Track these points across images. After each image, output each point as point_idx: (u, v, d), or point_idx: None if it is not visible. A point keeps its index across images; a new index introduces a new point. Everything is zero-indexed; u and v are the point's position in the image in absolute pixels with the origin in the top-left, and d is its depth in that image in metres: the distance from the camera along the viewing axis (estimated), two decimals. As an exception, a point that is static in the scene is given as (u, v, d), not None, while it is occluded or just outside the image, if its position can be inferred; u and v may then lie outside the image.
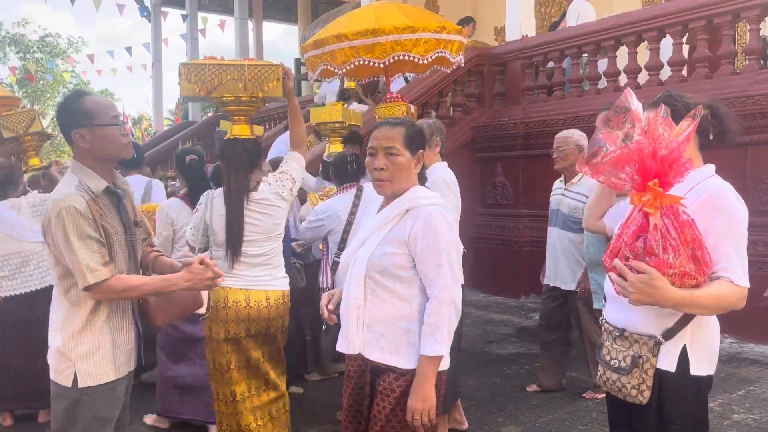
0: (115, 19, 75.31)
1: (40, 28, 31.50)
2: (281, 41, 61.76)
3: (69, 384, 2.10)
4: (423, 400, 1.94)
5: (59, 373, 2.12)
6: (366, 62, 4.40)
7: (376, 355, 2.03)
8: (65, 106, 2.18)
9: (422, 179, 2.18)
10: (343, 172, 3.90)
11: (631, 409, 1.81)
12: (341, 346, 2.11)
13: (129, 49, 17.20)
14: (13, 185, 3.93)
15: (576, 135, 3.97)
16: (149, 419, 3.85)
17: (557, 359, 4.23)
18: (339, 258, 3.75)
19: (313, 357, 4.81)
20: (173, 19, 17.05)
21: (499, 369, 4.84)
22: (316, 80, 5.32)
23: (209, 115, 14.80)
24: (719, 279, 1.69)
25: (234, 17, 14.62)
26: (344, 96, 7.63)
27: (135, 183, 4.82)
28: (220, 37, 52.65)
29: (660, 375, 1.75)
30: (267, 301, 2.89)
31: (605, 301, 1.96)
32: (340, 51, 4.40)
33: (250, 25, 15.61)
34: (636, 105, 1.70)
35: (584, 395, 4.11)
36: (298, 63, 14.41)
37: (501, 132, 7.31)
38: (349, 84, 7.67)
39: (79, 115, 2.13)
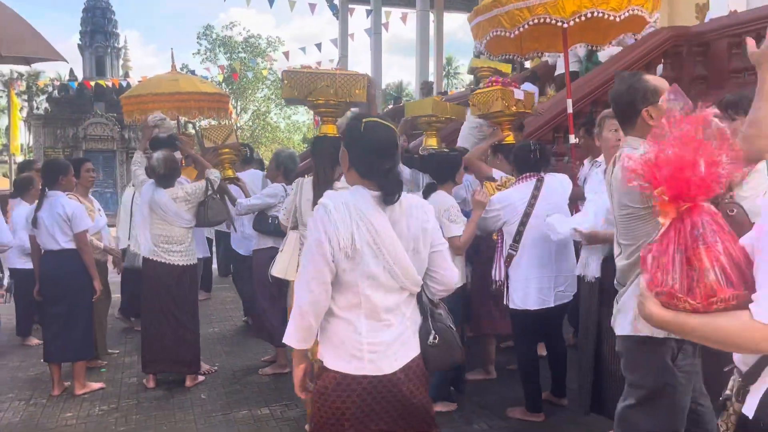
0: (307, 19, 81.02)
1: (244, 30, 34.88)
2: (461, 31, 61.91)
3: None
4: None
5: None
6: (599, 14, 4.38)
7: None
8: (634, 85, 2.30)
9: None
10: (525, 162, 3.75)
11: None
12: None
13: (319, 46, 18.33)
14: (176, 178, 4.52)
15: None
16: None
17: None
18: (514, 250, 3.65)
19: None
20: (359, 15, 17.86)
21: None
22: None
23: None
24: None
25: (415, 9, 14.93)
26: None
27: (251, 176, 5.57)
28: (402, 30, 54.20)
29: (744, 421, 1.41)
30: None
31: None
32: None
33: (431, 16, 15.82)
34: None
35: None
36: (477, 53, 14.32)
37: (700, 119, 6.61)
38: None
39: (650, 93, 2.28)
